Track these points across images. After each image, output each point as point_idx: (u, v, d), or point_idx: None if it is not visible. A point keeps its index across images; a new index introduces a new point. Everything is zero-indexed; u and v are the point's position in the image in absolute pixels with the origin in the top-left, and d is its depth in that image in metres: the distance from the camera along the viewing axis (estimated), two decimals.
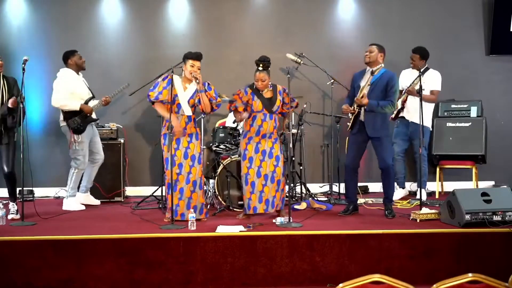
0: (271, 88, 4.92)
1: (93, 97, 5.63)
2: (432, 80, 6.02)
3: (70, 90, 5.44)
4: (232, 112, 5.17)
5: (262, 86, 4.86)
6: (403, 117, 6.07)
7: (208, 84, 4.81)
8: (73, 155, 5.50)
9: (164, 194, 5.61)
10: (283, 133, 5.40)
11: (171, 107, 4.63)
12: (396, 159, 6.03)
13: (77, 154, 5.46)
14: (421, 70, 5.99)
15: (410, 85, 5.82)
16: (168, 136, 4.55)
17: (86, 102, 5.52)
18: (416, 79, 5.99)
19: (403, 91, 5.95)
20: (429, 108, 6.06)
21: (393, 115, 5.96)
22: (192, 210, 4.56)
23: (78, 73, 5.59)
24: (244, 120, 4.94)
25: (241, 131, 5.44)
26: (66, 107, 5.41)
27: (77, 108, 5.42)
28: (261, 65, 4.81)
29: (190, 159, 4.70)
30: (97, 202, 5.79)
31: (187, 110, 4.75)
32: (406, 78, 6.08)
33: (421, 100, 5.02)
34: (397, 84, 4.91)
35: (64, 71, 5.52)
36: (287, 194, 5.06)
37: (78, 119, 5.43)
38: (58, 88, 5.43)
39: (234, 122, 5.60)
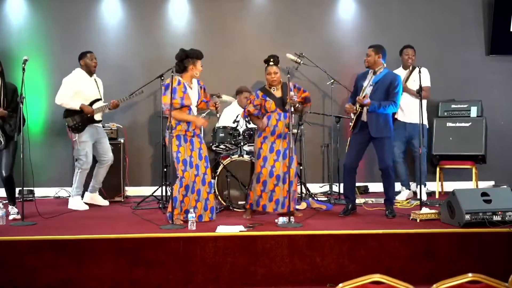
0: (280, 86, 4.99)
1: (99, 100, 5.65)
2: (422, 77, 5.97)
3: (75, 90, 5.48)
4: (245, 117, 5.21)
5: (275, 79, 4.93)
6: (398, 120, 6.04)
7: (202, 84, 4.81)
8: (76, 155, 5.55)
9: (167, 193, 5.63)
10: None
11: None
12: (397, 161, 6.02)
13: (78, 154, 5.49)
14: (411, 68, 6.01)
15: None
16: (181, 136, 4.57)
17: (91, 104, 5.55)
18: (407, 76, 6.01)
19: None
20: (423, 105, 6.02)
21: None
22: (192, 210, 4.52)
23: (91, 75, 5.62)
24: (260, 124, 4.98)
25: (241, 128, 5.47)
26: (67, 106, 5.46)
27: (77, 107, 5.44)
28: (271, 59, 4.93)
29: (204, 160, 4.68)
30: (105, 202, 5.79)
31: (195, 112, 4.76)
32: None
33: (420, 100, 5.02)
34: (401, 85, 4.89)
35: (75, 71, 5.58)
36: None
37: (77, 118, 5.47)
38: (63, 87, 5.49)
39: (234, 122, 5.60)
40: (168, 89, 4.54)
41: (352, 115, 4.97)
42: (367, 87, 4.83)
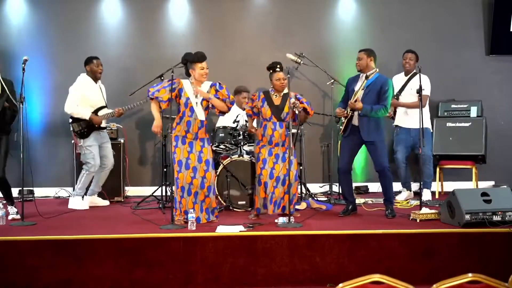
0: (282, 95, 4.98)
1: (105, 107, 5.67)
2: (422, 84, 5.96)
3: (81, 95, 5.49)
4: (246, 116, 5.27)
5: (285, 84, 4.93)
6: (402, 126, 6.03)
7: (220, 84, 4.76)
8: (83, 160, 5.56)
9: (168, 194, 5.62)
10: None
11: (182, 110, 4.62)
12: (399, 167, 6.01)
13: (86, 158, 5.53)
14: (410, 74, 6.00)
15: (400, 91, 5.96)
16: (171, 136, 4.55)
17: (97, 111, 5.57)
18: (403, 84, 6.01)
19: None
20: (425, 110, 5.98)
21: None
22: (192, 210, 4.52)
23: (96, 81, 5.63)
24: (251, 127, 5.11)
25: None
26: (78, 115, 5.48)
27: (86, 117, 5.48)
28: (278, 66, 4.92)
29: (205, 163, 4.62)
30: (105, 202, 5.81)
31: (201, 115, 4.68)
32: (397, 83, 6.03)
33: (420, 101, 5.02)
34: (391, 89, 4.92)
35: (80, 77, 5.59)
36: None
37: (83, 124, 5.51)
38: (71, 95, 5.50)
39: (234, 122, 5.60)
40: (161, 83, 4.68)
41: (342, 118, 4.98)
42: (359, 91, 4.84)
